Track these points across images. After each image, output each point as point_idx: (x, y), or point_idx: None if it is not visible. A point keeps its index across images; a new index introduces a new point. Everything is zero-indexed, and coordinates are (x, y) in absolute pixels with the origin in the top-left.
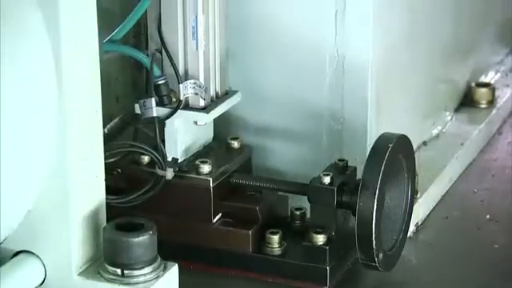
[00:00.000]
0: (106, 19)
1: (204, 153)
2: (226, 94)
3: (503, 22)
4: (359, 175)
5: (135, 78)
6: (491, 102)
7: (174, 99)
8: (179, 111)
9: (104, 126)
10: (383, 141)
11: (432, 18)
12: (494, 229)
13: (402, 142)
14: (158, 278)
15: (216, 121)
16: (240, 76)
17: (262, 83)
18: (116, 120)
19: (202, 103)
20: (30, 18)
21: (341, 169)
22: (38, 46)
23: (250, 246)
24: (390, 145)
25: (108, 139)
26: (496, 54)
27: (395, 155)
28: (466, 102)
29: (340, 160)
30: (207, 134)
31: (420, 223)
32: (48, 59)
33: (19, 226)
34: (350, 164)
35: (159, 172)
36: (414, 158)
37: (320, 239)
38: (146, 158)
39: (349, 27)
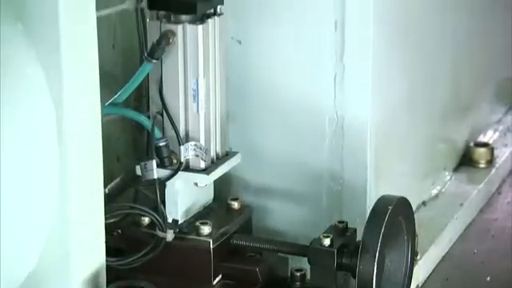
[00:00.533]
0: (108, 82)
1: (204, 214)
2: (227, 155)
3: (501, 81)
4: (359, 237)
5: (136, 138)
6: (490, 162)
7: (174, 161)
8: (180, 173)
9: (105, 186)
10: (383, 203)
11: (431, 79)
12: None
13: (402, 204)
14: None
15: (216, 181)
16: (240, 137)
17: (261, 144)
18: (117, 180)
19: (202, 165)
20: (31, 74)
21: (341, 230)
22: (39, 109)
23: None
24: (390, 207)
25: (109, 199)
26: (494, 113)
27: (395, 217)
28: (465, 161)
29: (340, 222)
30: (207, 195)
31: (420, 286)
32: (49, 119)
33: None
34: (349, 225)
35: (160, 234)
36: (414, 221)
37: None
38: (146, 220)
39: (348, 90)
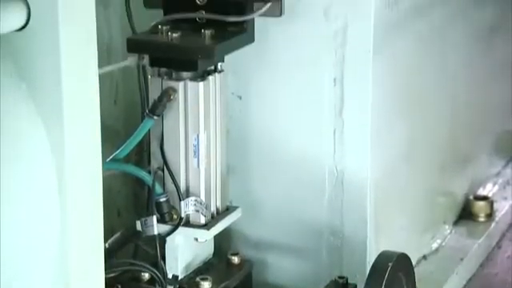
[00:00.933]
0: (109, 136)
1: (204, 269)
2: (227, 210)
3: (500, 133)
4: None
5: (137, 192)
6: (490, 216)
7: (175, 216)
8: (180, 228)
9: (105, 241)
10: (383, 259)
11: (429, 132)
12: None
13: (402, 260)
14: None
15: (216, 235)
16: (240, 190)
17: (262, 197)
18: (117, 235)
19: (202, 220)
20: (32, 132)
21: (341, 286)
22: (39, 166)
23: None
24: (390, 264)
25: (109, 254)
26: (494, 166)
27: (395, 274)
28: (465, 214)
29: (340, 277)
30: (207, 250)
31: None
32: (50, 175)
33: None
34: (350, 281)
35: None
36: (414, 277)
37: None
38: (146, 275)
39: (347, 145)
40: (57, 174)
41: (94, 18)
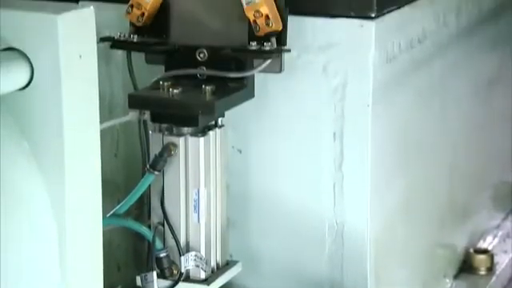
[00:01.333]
0: (109, 190)
1: None
2: (227, 265)
3: (499, 185)
4: None
5: (137, 247)
6: (490, 269)
7: (175, 271)
8: (180, 283)
9: None
10: None
11: (428, 185)
12: None
13: None
14: None
15: None
16: (240, 243)
17: (262, 251)
18: None
19: (202, 275)
20: (33, 191)
21: None
22: (40, 225)
23: None
24: None
25: None
26: (493, 218)
27: None
28: (466, 268)
29: None
30: None
31: None
32: (51, 233)
33: None
34: None
35: None
36: None
37: None
38: None
39: (347, 199)
40: (57, 229)
41: (96, 75)
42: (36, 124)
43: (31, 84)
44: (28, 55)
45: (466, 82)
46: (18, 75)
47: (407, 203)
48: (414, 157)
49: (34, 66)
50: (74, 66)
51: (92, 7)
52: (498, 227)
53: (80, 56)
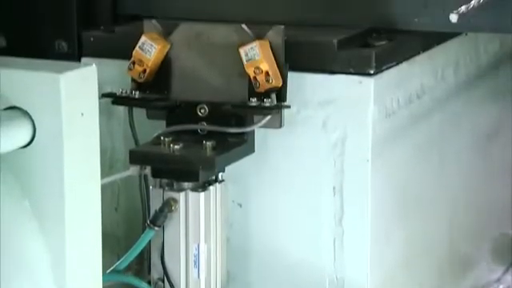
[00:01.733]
0: (109, 243)
1: None
2: None
3: (499, 238)
4: None
5: None
6: None
7: None
8: None
9: None
10: None
11: (429, 239)
12: None
13: None
14: None
15: None
16: None
17: None
18: None
19: None
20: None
21: None
22: (40, 283)
23: None
24: None
25: None
26: (493, 272)
27: None
28: None
29: None
30: None
31: None
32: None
33: None
34: None
35: None
36: None
37: None
38: None
39: (347, 253)
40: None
41: (98, 132)
42: (37, 182)
43: (33, 142)
44: (30, 114)
45: (465, 135)
46: (19, 134)
47: (407, 257)
48: (414, 210)
49: (36, 124)
50: (75, 123)
51: (94, 65)
52: (498, 280)
53: (82, 114)
